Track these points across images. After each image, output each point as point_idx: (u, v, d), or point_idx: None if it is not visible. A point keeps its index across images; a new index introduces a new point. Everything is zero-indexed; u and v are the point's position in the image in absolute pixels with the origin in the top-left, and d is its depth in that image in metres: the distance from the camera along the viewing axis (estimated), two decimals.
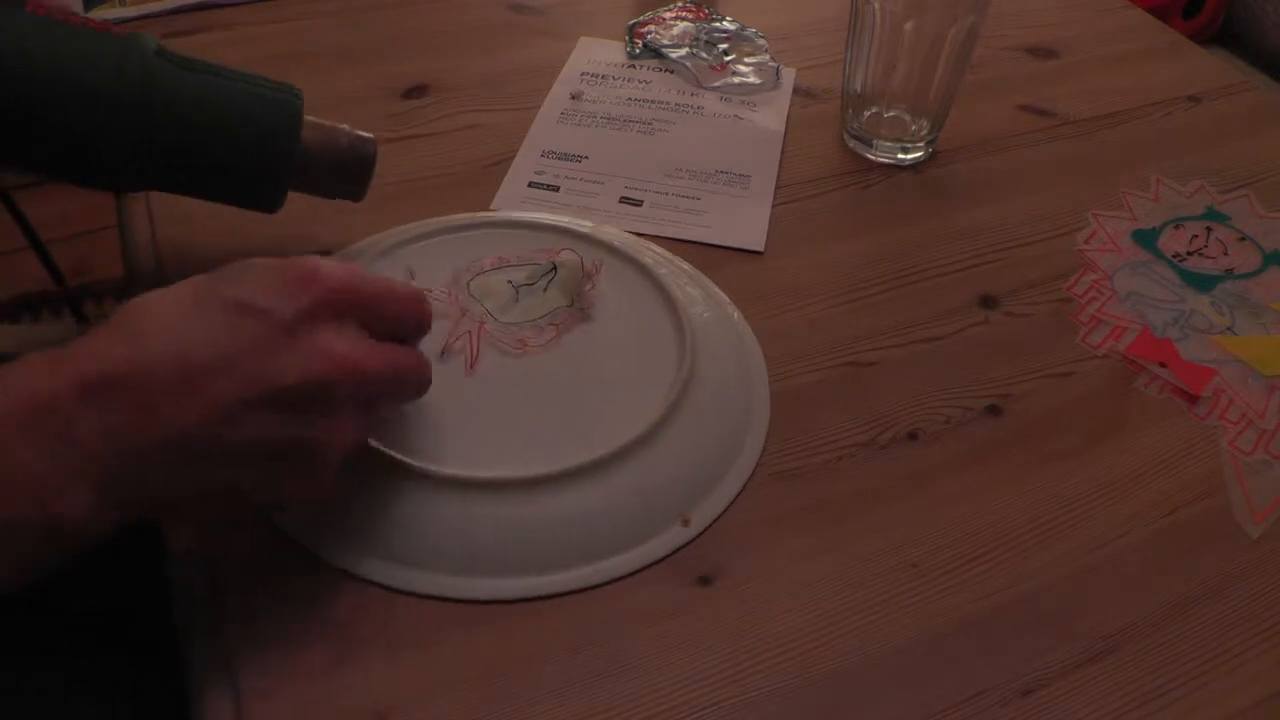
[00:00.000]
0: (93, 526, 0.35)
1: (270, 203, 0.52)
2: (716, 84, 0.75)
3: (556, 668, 0.42)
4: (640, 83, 0.75)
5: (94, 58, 0.46)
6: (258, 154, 0.50)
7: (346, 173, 0.53)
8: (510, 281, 0.54)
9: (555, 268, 0.55)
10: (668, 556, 0.45)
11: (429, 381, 0.43)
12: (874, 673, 0.43)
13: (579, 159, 0.67)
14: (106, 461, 0.34)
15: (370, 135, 0.53)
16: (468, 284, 0.54)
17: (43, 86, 0.45)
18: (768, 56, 0.77)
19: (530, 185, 0.65)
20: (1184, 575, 0.47)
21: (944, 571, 0.46)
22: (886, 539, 0.47)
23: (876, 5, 0.63)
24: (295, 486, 0.39)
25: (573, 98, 0.73)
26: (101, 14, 0.74)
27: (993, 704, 0.42)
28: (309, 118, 0.51)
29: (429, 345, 0.50)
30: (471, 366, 0.50)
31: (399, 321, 0.42)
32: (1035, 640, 0.44)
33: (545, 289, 0.54)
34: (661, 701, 0.41)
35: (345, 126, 0.53)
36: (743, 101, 0.74)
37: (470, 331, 0.52)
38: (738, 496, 0.48)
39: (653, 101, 0.73)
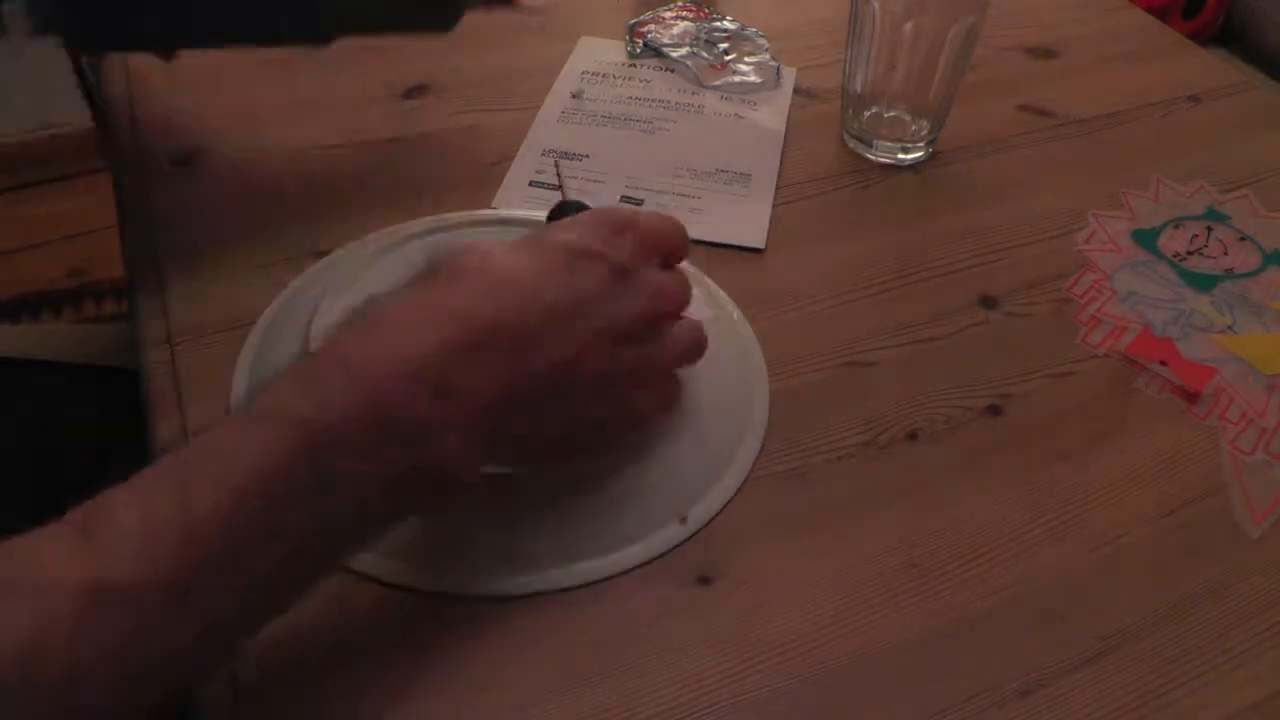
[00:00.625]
0: (467, 472, 0.38)
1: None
2: (717, 83, 0.75)
3: (556, 666, 0.42)
4: (641, 82, 0.75)
5: None
6: None
7: None
8: None
9: None
10: (665, 554, 0.45)
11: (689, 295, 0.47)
12: (874, 673, 0.43)
13: (580, 158, 0.67)
14: (482, 408, 0.37)
15: None
16: None
17: None
18: (768, 56, 0.77)
19: (531, 184, 0.64)
20: (1184, 575, 0.47)
21: (944, 571, 0.46)
22: (886, 539, 0.47)
23: (876, 5, 0.63)
24: (649, 402, 0.45)
25: (573, 97, 0.73)
26: None
27: (993, 704, 0.42)
28: None
29: None
30: None
31: (673, 252, 0.46)
32: (1035, 640, 0.44)
33: None
34: (661, 701, 0.41)
35: None
36: (743, 101, 0.74)
37: None
38: (736, 496, 0.48)
39: (653, 101, 0.73)
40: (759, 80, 0.75)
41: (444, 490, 0.38)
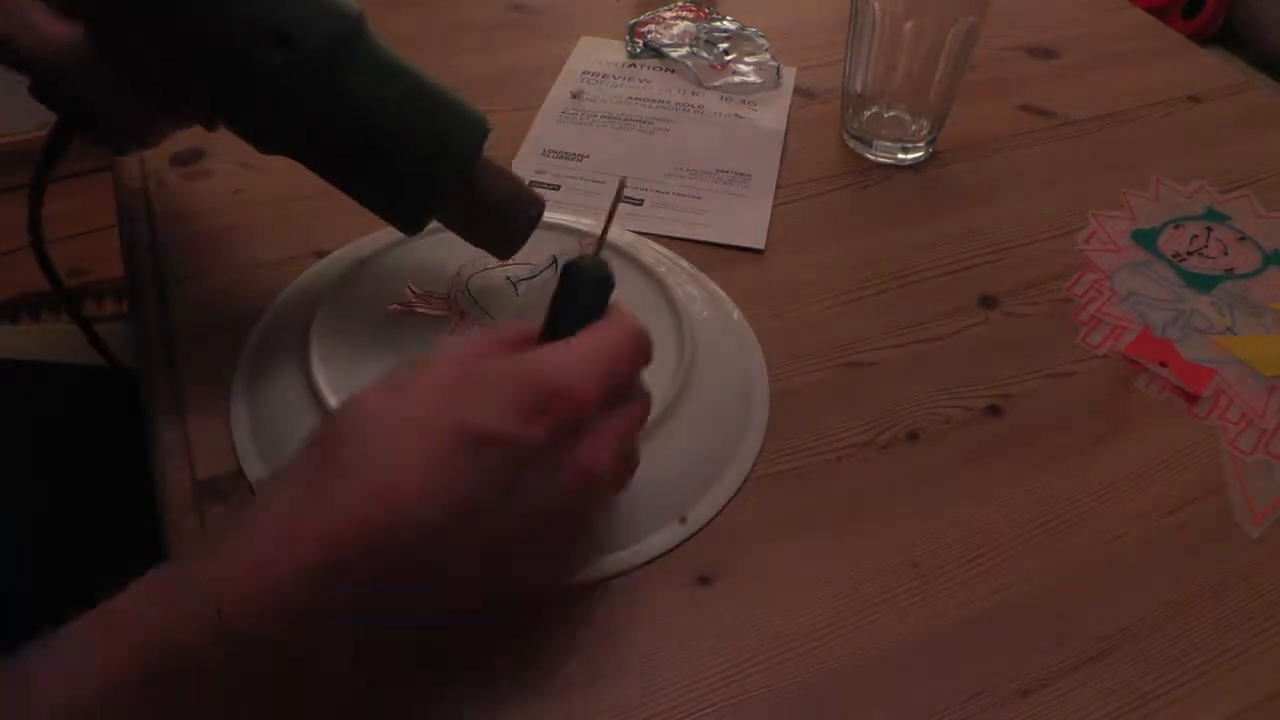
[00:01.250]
0: (343, 670, 0.35)
1: (414, 217, 0.49)
2: (717, 83, 0.75)
3: (553, 665, 0.42)
4: (641, 82, 0.75)
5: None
6: (435, 151, 0.47)
7: (505, 220, 0.50)
8: (510, 278, 0.54)
9: (556, 261, 0.55)
10: (665, 554, 0.45)
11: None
12: (874, 673, 0.43)
13: (580, 158, 0.67)
14: (351, 627, 0.34)
15: (543, 199, 0.51)
16: (468, 281, 0.54)
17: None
18: (768, 56, 0.77)
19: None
20: (1184, 575, 0.47)
21: (944, 571, 0.46)
22: (886, 539, 0.47)
23: (876, 5, 0.63)
24: (568, 549, 0.41)
25: (573, 97, 0.73)
26: None
27: (993, 704, 0.42)
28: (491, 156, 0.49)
29: (424, 350, 0.50)
30: None
31: (631, 377, 0.39)
32: (1035, 640, 0.44)
33: (545, 283, 0.54)
34: (661, 701, 0.41)
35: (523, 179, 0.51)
36: (743, 101, 0.74)
37: (467, 334, 0.51)
38: (736, 496, 0.48)
39: (653, 101, 0.73)
40: (759, 80, 0.75)
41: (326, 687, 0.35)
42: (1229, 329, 0.60)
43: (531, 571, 0.39)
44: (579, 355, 0.37)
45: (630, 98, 0.73)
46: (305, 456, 0.35)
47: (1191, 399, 0.55)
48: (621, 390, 0.38)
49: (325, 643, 0.33)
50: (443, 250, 0.56)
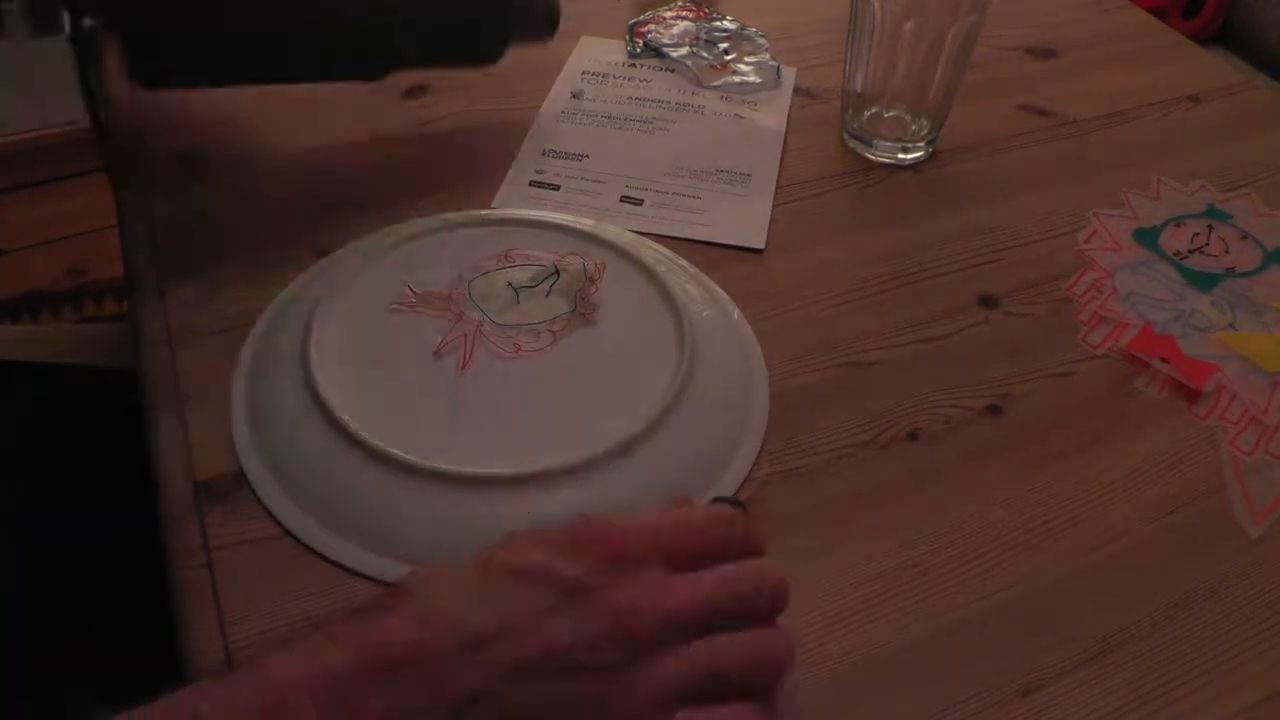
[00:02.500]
0: None
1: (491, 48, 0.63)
2: (717, 83, 0.75)
3: None
4: (641, 81, 0.75)
5: None
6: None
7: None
8: (510, 284, 0.54)
9: (558, 271, 0.55)
10: None
11: (789, 653, 0.37)
12: (874, 673, 0.43)
13: (580, 158, 0.67)
14: None
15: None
16: (469, 284, 0.54)
17: None
18: (768, 56, 0.77)
19: (531, 184, 0.64)
20: (1184, 575, 0.47)
21: (944, 571, 0.46)
22: (886, 539, 0.47)
23: (876, 5, 0.63)
24: None
25: (574, 97, 0.73)
26: None
27: (993, 704, 0.42)
28: None
29: (423, 351, 0.50)
30: (463, 367, 0.50)
31: (716, 550, 0.38)
32: (1035, 640, 0.44)
33: (547, 293, 0.54)
34: None
35: None
36: (743, 101, 0.74)
37: (466, 334, 0.51)
38: (736, 495, 0.48)
39: (653, 100, 0.73)
40: (759, 80, 0.75)
41: None
42: (1230, 327, 0.60)
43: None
44: (641, 516, 0.38)
45: (630, 98, 0.73)
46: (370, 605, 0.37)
47: (1192, 397, 0.55)
48: (686, 559, 0.37)
49: None
50: (443, 249, 0.56)
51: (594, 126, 0.70)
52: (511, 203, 0.63)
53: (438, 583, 0.36)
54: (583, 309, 0.53)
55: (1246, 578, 0.47)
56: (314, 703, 0.33)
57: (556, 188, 0.64)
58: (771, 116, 0.72)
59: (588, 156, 0.67)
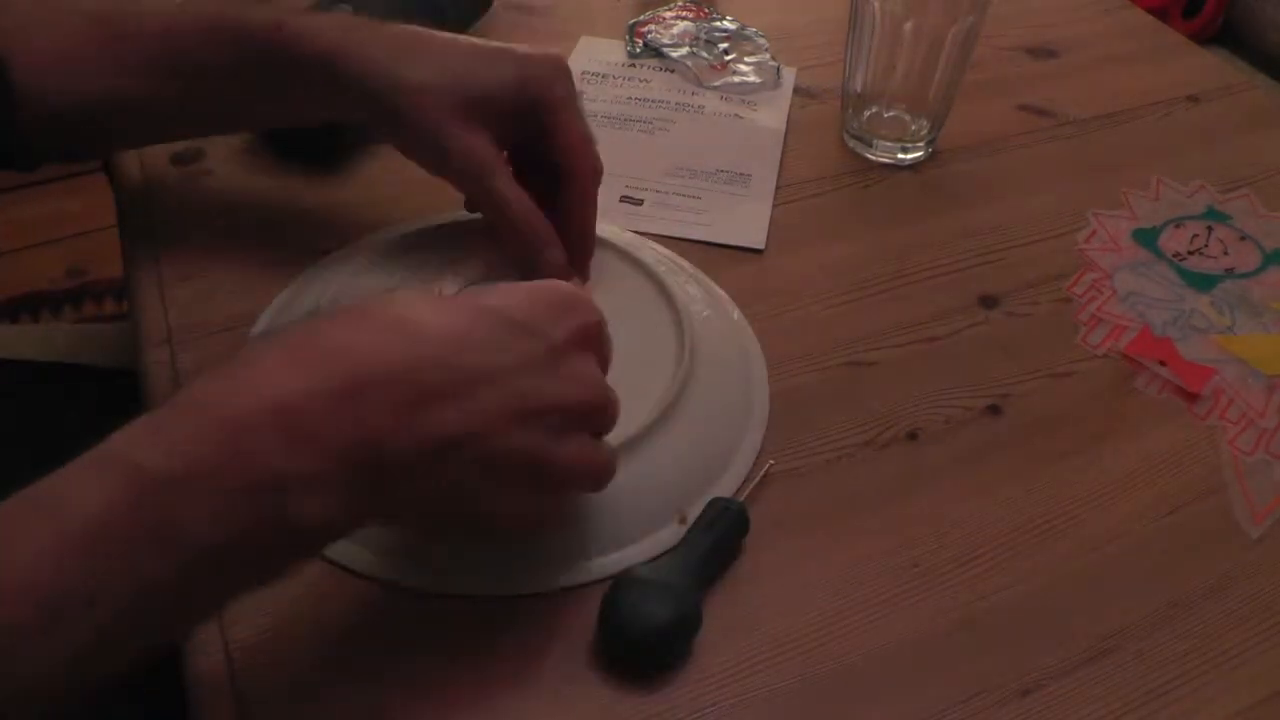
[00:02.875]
0: (330, 532, 0.34)
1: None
2: (717, 83, 0.75)
3: (556, 665, 0.42)
4: (640, 81, 0.75)
5: None
6: None
7: None
8: None
9: None
10: (665, 554, 0.45)
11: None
12: (874, 673, 0.43)
13: None
14: (356, 464, 0.32)
15: None
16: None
17: None
18: (768, 56, 0.77)
19: None
20: (1184, 575, 0.47)
21: (944, 571, 0.46)
22: (886, 539, 0.47)
23: (876, 5, 0.63)
24: (536, 507, 0.39)
25: None
26: None
27: (993, 704, 0.42)
28: None
29: None
30: None
31: (607, 360, 0.41)
32: (1035, 640, 0.44)
33: None
34: (662, 701, 0.41)
35: None
36: (743, 101, 0.74)
37: None
38: (736, 496, 0.48)
39: (653, 101, 0.73)
40: (759, 80, 0.75)
41: (301, 552, 0.34)
42: (1229, 328, 0.60)
43: (517, 480, 0.37)
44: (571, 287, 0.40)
45: (630, 98, 0.73)
46: (318, 320, 0.36)
47: (1191, 398, 0.55)
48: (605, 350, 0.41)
49: (308, 491, 0.32)
50: (441, 250, 0.56)
51: (594, 127, 0.70)
52: None
53: (418, 306, 0.35)
54: None
55: (1246, 578, 0.47)
56: (274, 435, 0.31)
57: None
58: (771, 116, 0.72)
59: None
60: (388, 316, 0.35)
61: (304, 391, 0.32)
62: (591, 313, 0.39)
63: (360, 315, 0.35)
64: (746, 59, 0.77)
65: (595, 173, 0.52)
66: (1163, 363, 0.57)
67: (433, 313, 0.35)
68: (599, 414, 0.39)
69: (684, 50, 0.77)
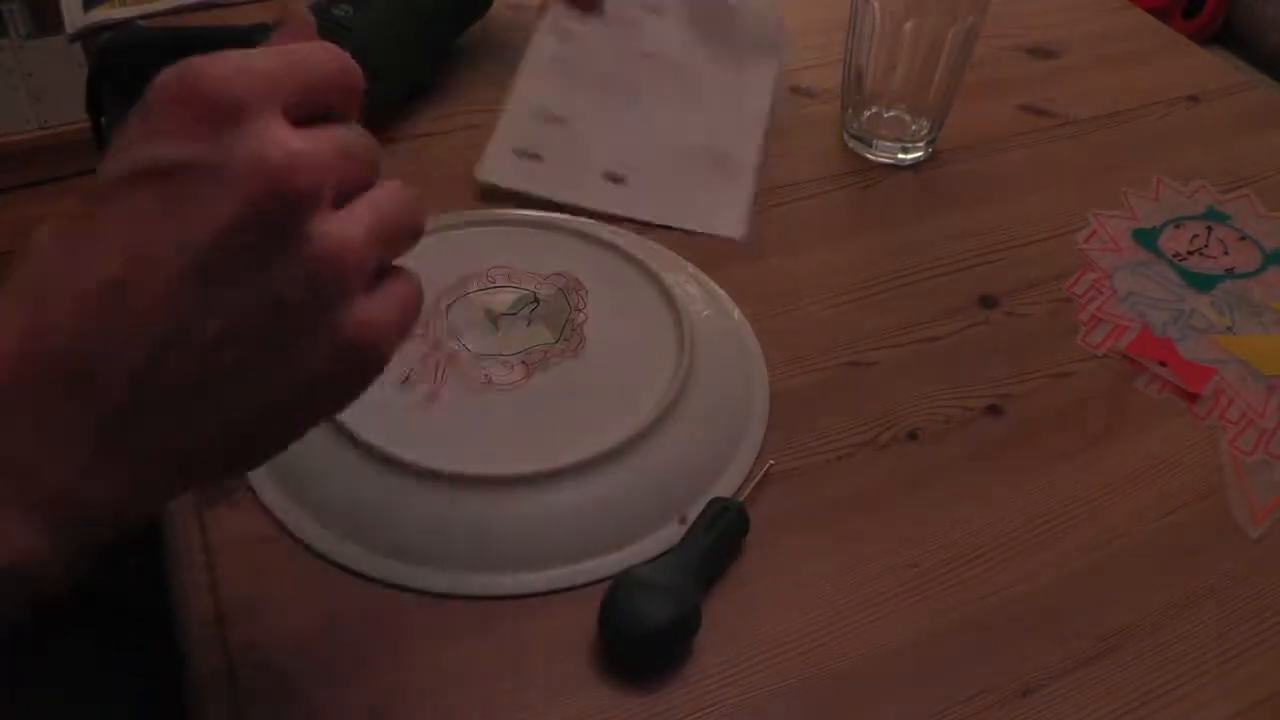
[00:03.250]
0: (104, 515, 0.29)
1: None
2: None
3: (556, 666, 0.42)
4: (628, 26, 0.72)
5: None
6: None
7: None
8: (488, 313, 0.53)
9: (537, 299, 0.54)
10: (665, 554, 0.45)
11: (377, 155, 0.30)
12: (874, 673, 0.43)
13: (563, 121, 0.66)
14: (76, 447, 0.27)
15: None
16: (447, 309, 0.53)
17: None
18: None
19: (518, 155, 0.64)
20: (1184, 575, 0.47)
21: (944, 571, 0.46)
22: (886, 539, 0.47)
23: (876, 5, 0.63)
24: (326, 368, 0.29)
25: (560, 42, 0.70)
26: (101, 15, 0.74)
27: (993, 704, 0.42)
28: None
29: (391, 374, 0.50)
30: (433, 398, 0.48)
31: (328, 91, 0.29)
32: (1035, 640, 0.44)
33: (529, 322, 0.53)
34: (662, 701, 0.41)
35: None
36: (735, 60, 0.72)
37: (438, 363, 0.50)
38: (736, 496, 0.48)
39: (640, 57, 0.71)
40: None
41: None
42: (1229, 329, 0.60)
43: (266, 351, 0.28)
44: (252, 55, 0.28)
45: (618, 54, 0.71)
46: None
47: (1191, 398, 0.55)
48: (317, 100, 0.29)
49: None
50: (440, 250, 0.56)
51: (579, 84, 0.68)
52: (498, 174, 0.62)
53: (44, 244, 0.27)
54: (568, 336, 0.52)
55: (1246, 578, 0.47)
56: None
57: (540, 158, 0.64)
58: (759, 82, 0.72)
59: (569, 121, 0.66)
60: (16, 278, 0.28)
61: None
62: (215, 78, 0.27)
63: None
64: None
65: None
66: (1163, 363, 0.57)
67: (48, 243, 0.28)
68: (309, 177, 0.27)
69: None
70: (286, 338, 0.28)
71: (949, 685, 0.42)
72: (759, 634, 0.43)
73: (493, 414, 0.48)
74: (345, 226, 0.28)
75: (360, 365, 0.30)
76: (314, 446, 0.46)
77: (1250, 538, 0.49)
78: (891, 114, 0.68)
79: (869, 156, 0.69)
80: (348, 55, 0.30)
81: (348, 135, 0.29)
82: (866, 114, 0.69)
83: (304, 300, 0.28)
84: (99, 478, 0.28)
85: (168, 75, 0.27)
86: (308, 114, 0.28)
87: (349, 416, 0.46)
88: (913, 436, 0.52)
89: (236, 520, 0.45)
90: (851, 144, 0.70)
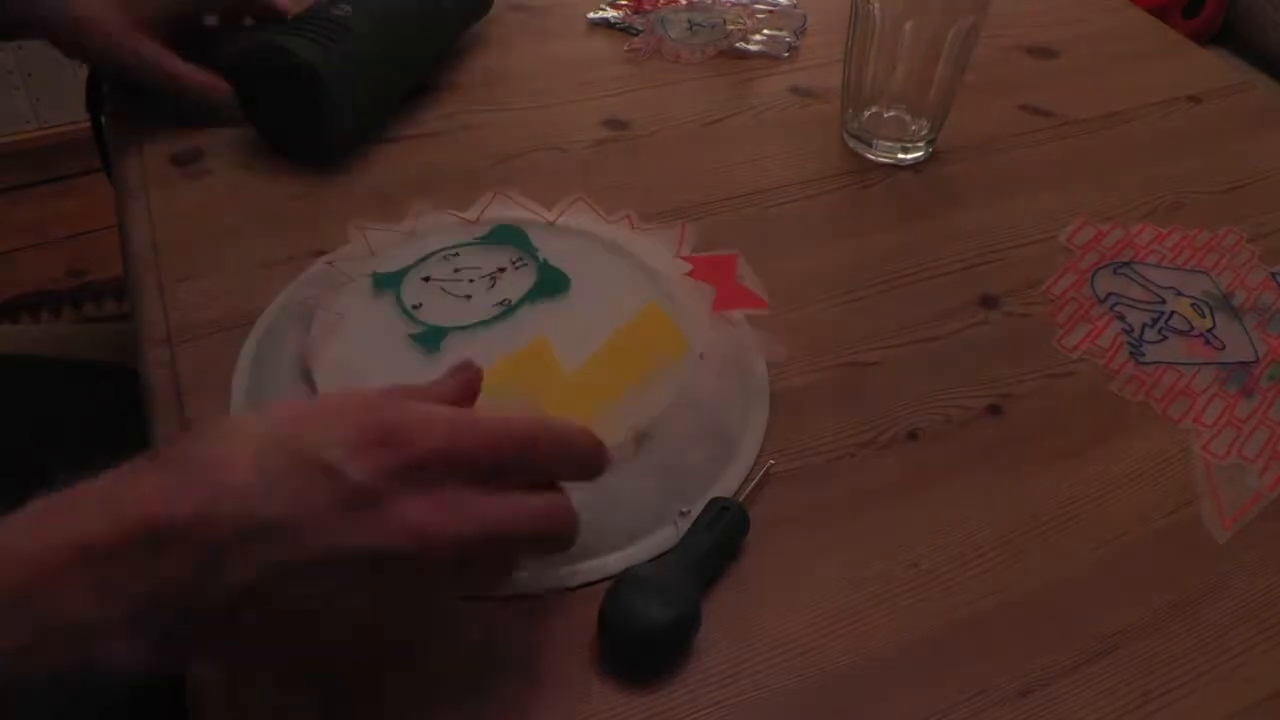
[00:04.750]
0: (147, 668, 0.33)
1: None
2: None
3: (556, 665, 0.42)
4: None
5: None
6: None
7: None
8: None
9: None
10: (665, 554, 0.45)
11: (572, 528, 0.39)
12: (874, 673, 0.43)
13: None
14: (158, 612, 0.32)
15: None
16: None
17: None
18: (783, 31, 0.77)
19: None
20: (1184, 575, 0.47)
21: (944, 571, 0.46)
22: (886, 539, 0.47)
23: (876, 5, 0.63)
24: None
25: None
26: None
27: (993, 704, 0.42)
28: None
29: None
30: None
31: (542, 465, 0.38)
32: (1035, 640, 0.44)
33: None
34: (662, 701, 0.41)
35: None
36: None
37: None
38: (736, 495, 0.48)
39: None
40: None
41: (119, 680, 0.33)
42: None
43: (338, 614, 0.35)
44: (445, 414, 0.37)
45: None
46: (160, 452, 0.35)
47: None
48: (492, 469, 0.36)
49: (114, 636, 0.32)
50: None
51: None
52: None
53: (227, 454, 0.34)
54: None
55: (1246, 578, 0.47)
56: (75, 569, 0.31)
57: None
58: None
59: None
60: (194, 457, 0.34)
61: (109, 533, 0.32)
62: (417, 441, 0.35)
63: (169, 455, 0.34)
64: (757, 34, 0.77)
65: None
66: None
67: (234, 455, 0.34)
68: (425, 547, 0.34)
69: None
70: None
71: (949, 685, 0.42)
72: (759, 634, 0.43)
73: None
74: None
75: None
76: None
77: (1219, 542, 0.49)
78: (891, 114, 0.68)
79: (869, 156, 0.69)
80: (556, 436, 0.39)
81: (520, 505, 0.37)
82: (866, 114, 0.69)
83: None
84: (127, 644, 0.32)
85: (390, 415, 0.35)
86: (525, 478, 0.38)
87: None
88: (913, 436, 0.52)
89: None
90: (851, 144, 0.70)
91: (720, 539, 0.45)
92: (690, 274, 0.56)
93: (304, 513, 0.33)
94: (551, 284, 0.54)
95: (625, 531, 0.46)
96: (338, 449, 0.34)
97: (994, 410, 0.54)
